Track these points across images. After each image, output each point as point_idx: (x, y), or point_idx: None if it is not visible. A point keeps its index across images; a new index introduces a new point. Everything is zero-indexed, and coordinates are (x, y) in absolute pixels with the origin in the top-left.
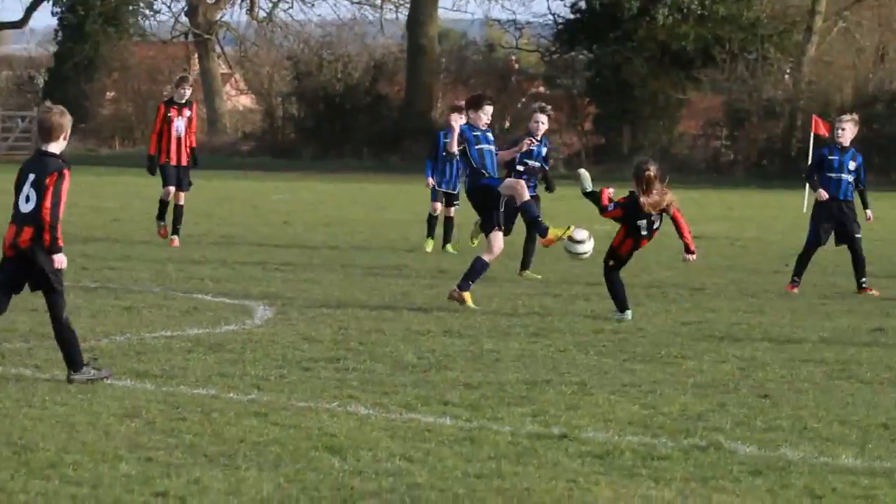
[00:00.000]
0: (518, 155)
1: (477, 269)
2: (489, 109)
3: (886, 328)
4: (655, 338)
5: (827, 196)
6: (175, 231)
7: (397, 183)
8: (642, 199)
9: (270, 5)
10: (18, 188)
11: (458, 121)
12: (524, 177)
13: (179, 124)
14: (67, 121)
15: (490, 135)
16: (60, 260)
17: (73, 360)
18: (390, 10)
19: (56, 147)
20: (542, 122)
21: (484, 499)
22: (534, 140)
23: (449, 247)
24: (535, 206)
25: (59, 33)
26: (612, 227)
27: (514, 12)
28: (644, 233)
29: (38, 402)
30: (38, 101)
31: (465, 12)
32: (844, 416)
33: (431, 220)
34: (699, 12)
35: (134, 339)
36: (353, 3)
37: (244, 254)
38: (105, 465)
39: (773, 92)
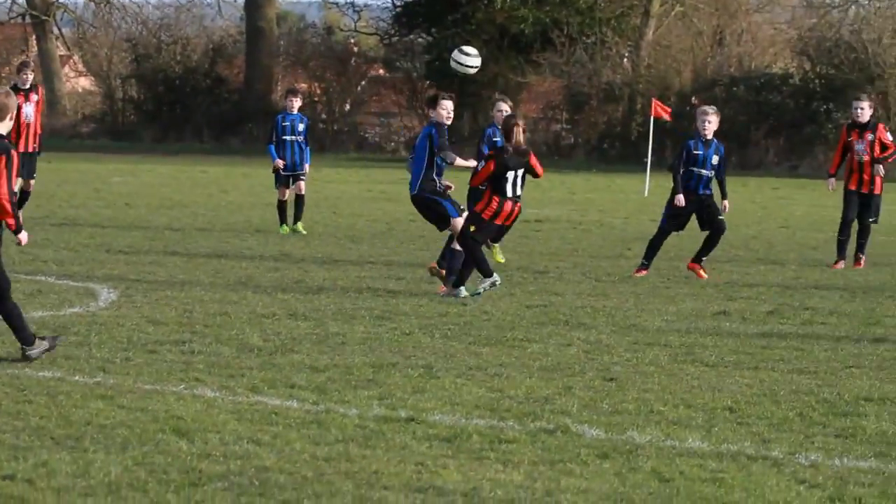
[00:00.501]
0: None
1: (459, 262)
2: (447, 104)
3: (730, 312)
4: (500, 321)
5: (684, 203)
6: None
7: (238, 166)
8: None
9: None
10: None
11: (296, 104)
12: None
13: (28, 110)
14: (13, 101)
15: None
16: (25, 238)
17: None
18: None
19: (3, 128)
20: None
21: (332, 482)
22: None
23: (299, 225)
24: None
25: None
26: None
27: None
28: (509, 192)
29: None
30: None
31: None
32: (690, 399)
33: (281, 205)
34: None
35: None
36: None
37: (87, 236)
38: None
39: (613, 76)
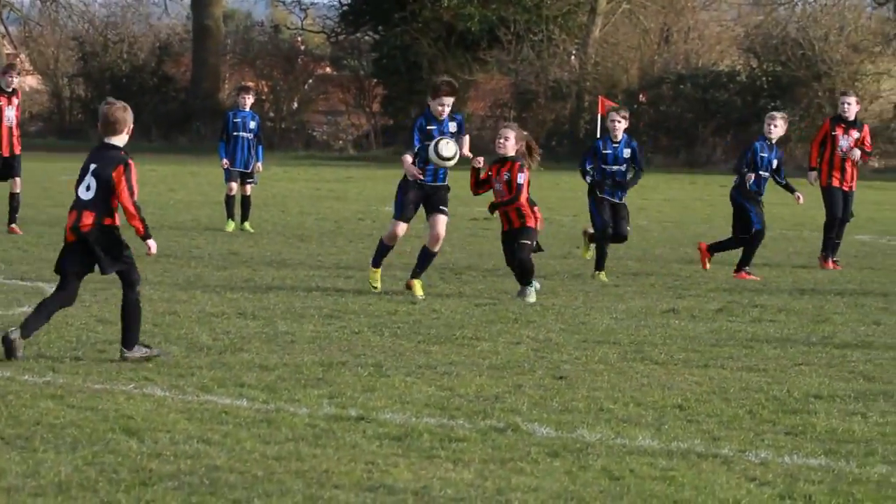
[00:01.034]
0: None
1: (427, 258)
2: (447, 101)
3: (679, 310)
4: (449, 319)
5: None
6: (12, 220)
7: (186, 164)
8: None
9: None
10: (80, 178)
11: (248, 101)
12: None
13: (10, 114)
14: (130, 116)
15: (453, 125)
16: (153, 245)
17: (129, 338)
18: None
19: (119, 140)
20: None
21: (283, 481)
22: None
23: (247, 225)
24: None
25: None
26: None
27: None
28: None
29: None
30: None
31: None
32: (640, 397)
33: (229, 200)
34: None
35: None
36: None
37: (35, 235)
38: None
39: (560, 73)
